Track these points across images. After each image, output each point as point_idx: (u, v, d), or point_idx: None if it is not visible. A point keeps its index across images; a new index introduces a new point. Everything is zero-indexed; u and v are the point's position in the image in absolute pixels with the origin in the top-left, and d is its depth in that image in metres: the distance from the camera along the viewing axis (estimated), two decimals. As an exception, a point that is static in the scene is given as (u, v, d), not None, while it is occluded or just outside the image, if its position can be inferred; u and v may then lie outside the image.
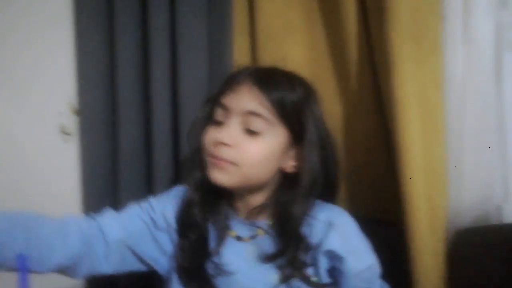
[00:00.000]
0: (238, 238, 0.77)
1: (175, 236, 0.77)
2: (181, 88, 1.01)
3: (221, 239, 0.76)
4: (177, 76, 1.01)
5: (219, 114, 0.75)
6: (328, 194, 0.79)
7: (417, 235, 0.85)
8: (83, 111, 1.08)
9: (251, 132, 0.72)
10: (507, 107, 0.93)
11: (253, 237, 0.76)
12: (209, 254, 0.74)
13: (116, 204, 1.03)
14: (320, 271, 0.74)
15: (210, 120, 0.76)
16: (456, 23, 0.91)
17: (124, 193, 1.03)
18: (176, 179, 1.00)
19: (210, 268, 0.73)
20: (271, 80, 0.74)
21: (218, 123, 0.75)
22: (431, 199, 0.87)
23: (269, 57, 1.02)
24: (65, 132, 1.09)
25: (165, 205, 0.79)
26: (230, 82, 0.76)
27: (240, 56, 1.04)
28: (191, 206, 0.76)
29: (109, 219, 0.76)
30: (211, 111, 0.77)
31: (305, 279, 0.72)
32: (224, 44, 1.03)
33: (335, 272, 0.75)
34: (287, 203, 0.74)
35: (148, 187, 1.04)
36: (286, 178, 0.76)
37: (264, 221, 0.77)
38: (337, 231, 0.73)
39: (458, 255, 0.88)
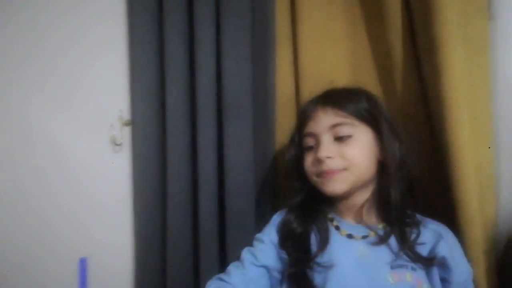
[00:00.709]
0: (350, 236, 0.82)
1: (281, 252, 0.85)
2: (225, 97, 1.04)
3: (323, 242, 0.82)
4: (222, 86, 1.04)
5: (308, 142, 0.86)
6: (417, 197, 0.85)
7: (470, 238, 0.82)
8: (134, 122, 1.13)
9: (343, 139, 0.82)
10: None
11: (365, 237, 0.81)
12: (311, 258, 0.80)
13: (164, 212, 1.07)
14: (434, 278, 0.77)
15: (301, 152, 0.87)
16: (508, 22, 0.89)
17: (172, 201, 1.06)
18: (219, 186, 1.04)
19: (314, 270, 0.79)
20: (339, 96, 0.85)
21: (310, 149, 0.85)
22: (483, 204, 0.84)
23: (311, 67, 1.04)
24: (116, 143, 1.15)
25: (270, 233, 0.88)
26: (305, 113, 0.88)
27: (283, 67, 1.07)
28: (290, 223, 0.86)
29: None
30: (298, 147, 0.88)
31: (416, 255, 0.77)
32: (267, 56, 1.06)
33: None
34: (384, 187, 0.82)
35: (193, 195, 1.06)
36: (381, 171, 0.84)
37: (375, 225, 0.82)
38: (446, 241, 0.79)
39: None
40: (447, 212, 0.85)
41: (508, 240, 0.87)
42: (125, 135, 1.14)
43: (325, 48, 1.04)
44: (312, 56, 1.04)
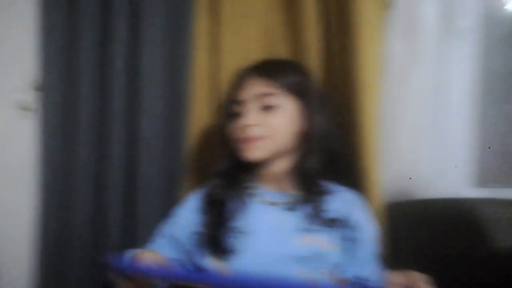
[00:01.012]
0: (267, 203, 0.85)
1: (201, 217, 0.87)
2: (139, 67, 1.04)
3: (240, 207, 0.85)
4: (136, 56, 1.05)
5: (235, 108, 0.87)
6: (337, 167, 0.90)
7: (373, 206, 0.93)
8: (44, 88, 1.10)
9: (269, 108, 0.84)
10: (447, 93, 1.01)
11: (281, 204, 0.85)
12: (227, 222, 0.83)
13: (73, 178, 1.07)
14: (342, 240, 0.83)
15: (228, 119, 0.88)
16: (400, 12, 0.98)
17: (79, 171, 1.07)
18: (131, 154, 1.05)
19: (232, 234, 0.82)
20: (271, 67, 0.88)
21: (237, 115, 0.86)
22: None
23: (231, 42, 1.05)
24: (25, 109, 1.12)
25: (186, 207, 0.90)
26: (236, 81, 0.89)
27: (202, 40, 1.07)
28: (213, 189, 0.88)
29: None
30: (225, 113, 0.89)
31: (325, 220, 0.82)
32: (184, 27, 1.07)
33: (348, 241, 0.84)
34: (305, 156, 0.86)
35: (102, 164, 1.07)
36: (302, 142, 0.87)
37: (292, 193, 0.86)
38: (355, 206, 0.86)
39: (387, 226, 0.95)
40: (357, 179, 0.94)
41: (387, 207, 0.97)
42: (34, 100, 1.11)
43: (245, 23, 1.06)
44: (232, 30, 1.06)
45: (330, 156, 0.87)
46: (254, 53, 1.03)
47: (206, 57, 1.06)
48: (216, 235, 0.82)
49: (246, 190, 0.87)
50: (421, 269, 0.89)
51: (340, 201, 0.85)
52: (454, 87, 1.02)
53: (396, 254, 0.92)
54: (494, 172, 1.10)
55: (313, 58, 1.01)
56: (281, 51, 1.06)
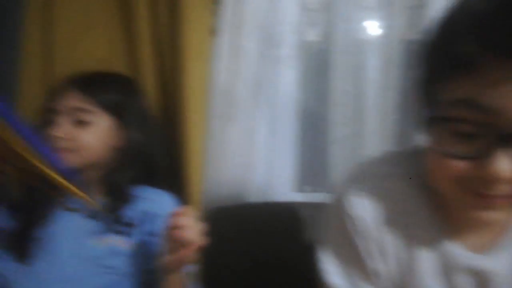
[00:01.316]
0: (74, 210, 0.88)
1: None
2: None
3: (45, 212, 0.87)
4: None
5: (50, 116, 0.88)
6: (155, 176, 0.96)
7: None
8: None
9: (81, 123, 0.87)
10: (262, 110, 1.15)
11: (86, 210, 0.87)
12: (29, 228, 0.85)
13: None
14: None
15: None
16: (225, 39, 1.10)
17: None
18: None
19: (34, 239, 0.85)
20: (91, 82, 0.91)
21: (50, 124, 0.87)
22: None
23: (67, 50, 1.09)
24: None
25: None
26: (57, 90, 0.90)
27: (32, 48, 1.09)
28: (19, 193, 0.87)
29: None
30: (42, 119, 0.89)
31: (124, 224, 0.87)
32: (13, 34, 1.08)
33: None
34: (116, 168, 0.90)
35: None
36: (117, 155, 0.91)
37: (99, 199, 0.89)
38: (166, 207, 0.89)
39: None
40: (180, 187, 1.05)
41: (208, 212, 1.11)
42: None
43: (83, 34, 1.11)
44: (67, 41, 1.10)
45: (149, 167, 0.94)
46: (93, 64, 1.04)
47: (38, 66, 1.09)
48: (18, 239, 0.85)
49: (51, 196, 0.89)
50: (242, 267, 1.05)
51: (148, 204, 0.91)
52: (280, 105, 1.16)
53: (221, 254, 1.03)
54: (312, 178, 1.28)
55: (148, 74, 1.10)
56: (121, 65, 1.12)
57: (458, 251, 0.58)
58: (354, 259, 0.62)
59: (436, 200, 0.60)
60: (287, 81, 1.16)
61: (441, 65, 0.49)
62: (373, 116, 1.11)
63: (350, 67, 1.11)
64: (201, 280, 1.00)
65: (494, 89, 0.44)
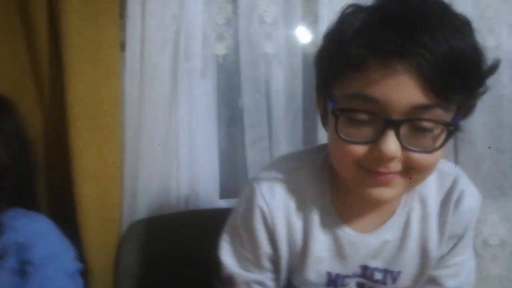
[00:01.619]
0: None
1: None
2: None
3: None
4: None
5: None
6: (28, 198, 0.92)
7: (88, 229, 1.01)
8: None
9: None
10: (180, 121, 1.18)
11: None
12: None
13: None
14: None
15: None
16: (134, 54, 1.11)
17: None
18: None
19: None
20: None
21: None
22: (103, 199, 1.04)
23: None
24: None
25: None
26: None
27: None
28: None
29: None
30: None
31: None
32: None
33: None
34: None
35: None
36: None
37: None
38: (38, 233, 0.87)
39: (127, 243, 1.07)
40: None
41: (129, 226, 1.10)
42: None
43: None
44: None
45: (19, 188, 0.91)
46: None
47: None
48: None
49: None
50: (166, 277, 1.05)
51: (18, 233, 0.87)
52: (198, 114, 1.19)
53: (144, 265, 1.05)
54: (235, 183, 1.31)
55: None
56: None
57: (349, 232, 0.69)
58: (250, 245, 0.70)
59: (335, 190, 0.70)
60: (202, 91, 1.20)
61: (336, 68, 0.58)
62: (281, 120, 1.19)
63: (257, 78, 1.18)
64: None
65: (377, 84, 0.54)
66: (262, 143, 1.20)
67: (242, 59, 1.18)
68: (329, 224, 0.69)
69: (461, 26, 0.56)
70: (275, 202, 0.69)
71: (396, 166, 0.57)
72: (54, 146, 1.08)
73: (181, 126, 1.18)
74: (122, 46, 1.10)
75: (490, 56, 0.58)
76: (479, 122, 1.16)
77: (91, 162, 1.02)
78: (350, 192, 0.66)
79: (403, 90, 0.53)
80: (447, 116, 0.56)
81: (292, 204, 0.69)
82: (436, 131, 0.56)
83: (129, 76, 1.11)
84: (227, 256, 0.72)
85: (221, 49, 1.20)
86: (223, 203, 1.23)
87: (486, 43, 1.04)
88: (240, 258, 0.72)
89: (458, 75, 0.53)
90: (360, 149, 0.57)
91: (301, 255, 0.71)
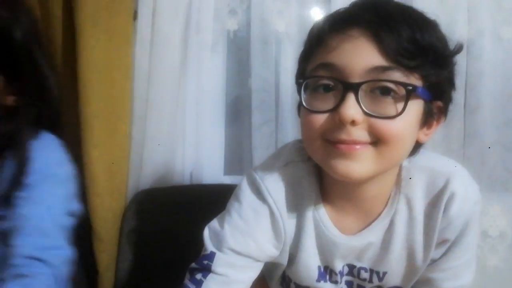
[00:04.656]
0: None
1: None
2: None
3: None
4: None
5: None
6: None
7: (95, 195, 1.04)
8: None
9: None
10: (188, 95, 1.19)
11: None
12: None
13: None
14: None
15: None
16: (146, 23, 1.11)
17: None
18: None
19: None
20: None
21: None
22: (111, 167, 1.06)
23: None
24: None
25: None
26: None
27: None
28: None
29: None
30: None
31: None
32: None
33: None
34: None
35: None
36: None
37: None
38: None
39: (133, 211, 1.09)
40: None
41: (135, 195, 1.12)
42: None
43: None
44: None
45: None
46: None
47: None
48: None
49: None
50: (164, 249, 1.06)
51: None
52: (206, 89, 1.19)
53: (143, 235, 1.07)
54: (239, 161, 1.31)
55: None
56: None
57: (334, 233, 0.70)
58: (248, 234, 0.68)
59: (325, 185, 0.71)
60: (212, 66, 1.20)
61: (307, 53, 0.65)
62: (289, 104, 1.19)
63: (267, 55, 1.18)
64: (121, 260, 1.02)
65: (335, 51, 0.59)
66: (269, 126, 1.20)
67: (253, 36, 1.18)
68: (318, 221, 0.70)
69: (424, 19, 0.60)
70: (280, 198, 0.69)
71: (360, 134, 0.58)
72: (64, 111, 1.09)
73: (189, 100, 1.19)
74: (134, 15, 1.10)
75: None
76: (487, 118, 1.16)
77: (100, 129, 1.03)
78: (338, 191, 0.68)
79: (359, 53, 0.57)
80: (407, 81, 0.57)
81: (290, 197, 0.69)
82: (397, 96, 0.57)
83: (139, 46, 1.11)
84: (208, 240, 0.71)
85: (232, 24, 1.20)
86: (227, 180, 1.24)
87: (502, 34, 1.10)
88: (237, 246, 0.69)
89: (414, 41, 0.56)
90: (323, 118, 0.59)
91: (294, 249, 0.72)
